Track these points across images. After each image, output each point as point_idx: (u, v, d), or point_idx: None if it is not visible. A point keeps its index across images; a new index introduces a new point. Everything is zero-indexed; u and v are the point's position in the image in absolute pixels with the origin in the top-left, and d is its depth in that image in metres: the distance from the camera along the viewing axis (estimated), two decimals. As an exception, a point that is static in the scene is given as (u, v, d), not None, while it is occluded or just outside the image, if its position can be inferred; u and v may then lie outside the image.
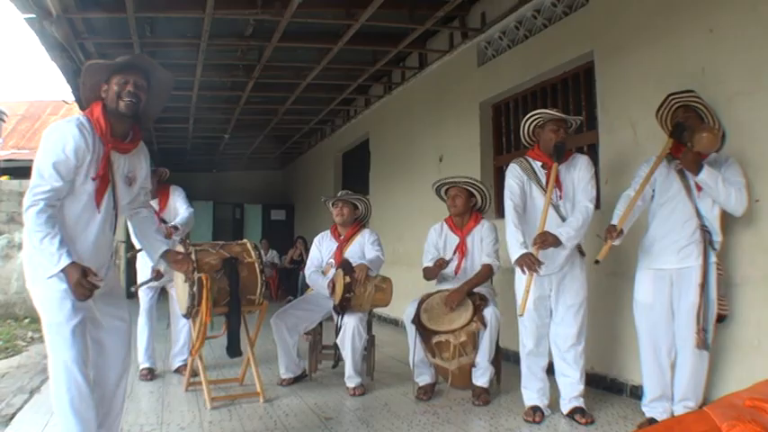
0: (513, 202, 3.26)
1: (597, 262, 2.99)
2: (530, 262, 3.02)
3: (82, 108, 2.44)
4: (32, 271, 2.30)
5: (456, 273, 3.90)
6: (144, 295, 4.43)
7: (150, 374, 4.33)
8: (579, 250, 3.28)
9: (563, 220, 3.21)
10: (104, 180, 2.32)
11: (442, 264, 3.87)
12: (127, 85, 2.30)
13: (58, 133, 2.25)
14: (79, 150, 2.23)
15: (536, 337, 3.29)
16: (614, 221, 3.04)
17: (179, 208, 4.57)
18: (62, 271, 2.14)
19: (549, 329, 3.31)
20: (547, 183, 3.22)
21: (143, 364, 4.36)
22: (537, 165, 3.32)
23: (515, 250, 3.11)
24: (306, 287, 4.56)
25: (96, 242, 2.36)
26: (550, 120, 3.31)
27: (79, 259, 2.22)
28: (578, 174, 3.25)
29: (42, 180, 2.19)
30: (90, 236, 2.34)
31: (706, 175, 2.84)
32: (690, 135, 2.93)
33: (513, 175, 3.33)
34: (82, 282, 2.14)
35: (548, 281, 3.26)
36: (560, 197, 3.27)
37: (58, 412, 2.27)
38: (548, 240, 3.05)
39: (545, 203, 3.15)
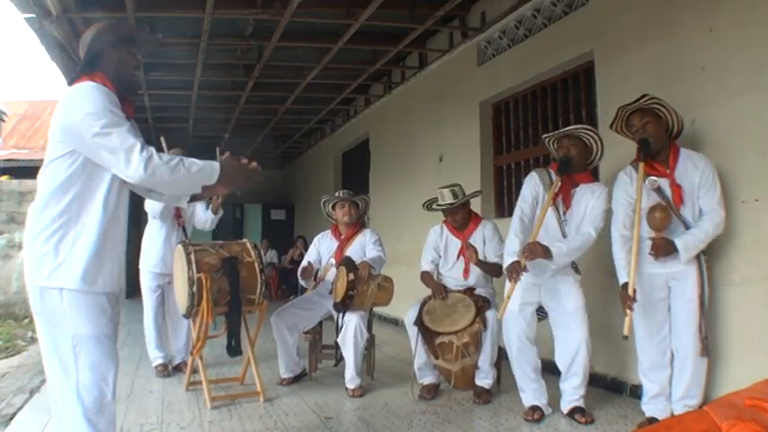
0: (522, 210, 3.29)
1: (626, 337, 2.89)
2: (512, 270, 3.09)
3: (69, 78, 2.23)
4: (64, 269, 2.01)
5: (464, 277, 3.87)
6: (151, 293, 4.43)
7: (166, 370, 4.37)
8: (574, 268, 3.30)
9: (563, 234, 3.23)
10: None
11: (440, 290, 3.81)
12: (139, 57, 2.20)
13: (84, 89, 2.00)
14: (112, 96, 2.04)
15: (520, 340, 3.28)
16: (622, 274, 2.95)
17: (198, 211, 4.59)
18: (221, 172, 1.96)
19: (557, 334, 3.31)
20: (554, 195, 3.22)
21: (156, 360, 4.40)
22: (555, 177, 3.33)
23: (508, 258, 3.18)
24: (305, 287, 4.56)
25: (125, 220, 2.18)
26: (561, 136, 3.33)
27: (121, 235, 2.11)
28: (593, 201, 3.22)
29: (112, 121, 1.92)
30: (124, 208, 2.16)
31: (685, 255, 2.84)
32: (655, 144, 2.94)
33: (530, 185, 3.35)
34: (238, 164, 1.97)
35: (538, 289, 3.28)
36: (564, 213, 3.26)
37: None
38: (536, 251, 3.08)
39: (541, 213, 3.18)
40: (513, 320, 3.26)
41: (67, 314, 2.03)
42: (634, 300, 2.82)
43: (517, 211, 3.31)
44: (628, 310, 2.81)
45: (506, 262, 3.18)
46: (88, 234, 2.05)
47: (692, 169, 2.93)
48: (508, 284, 3.18)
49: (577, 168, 3.26)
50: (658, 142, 2.97)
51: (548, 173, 3.35)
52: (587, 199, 3.24)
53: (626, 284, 2.87)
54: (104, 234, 2.07)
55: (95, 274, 2.06)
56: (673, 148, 3.00)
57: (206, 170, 2.00)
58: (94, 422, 2.01)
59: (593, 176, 3.46)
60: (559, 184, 3.21)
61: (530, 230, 3.21)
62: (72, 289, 2.03)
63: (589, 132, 3.31)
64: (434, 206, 3.98)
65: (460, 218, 3.90)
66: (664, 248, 2.85)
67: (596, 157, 3.36)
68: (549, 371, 3.44)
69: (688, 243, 2.84)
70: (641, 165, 2.95)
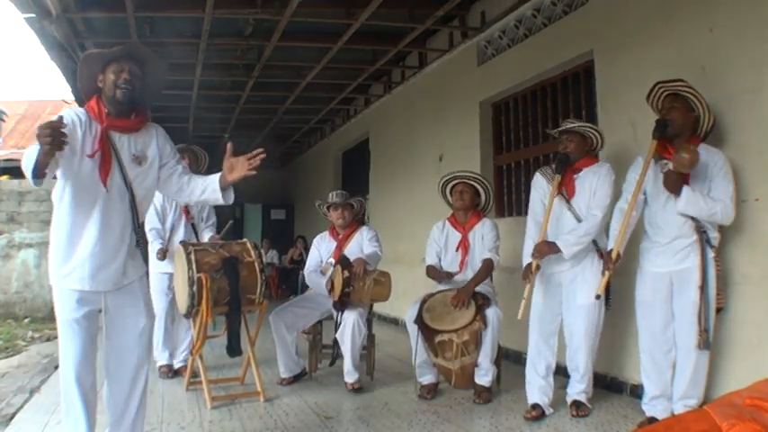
0: (533, 212, 3.44)
1: (598, 296, 3.09)
2: (524, 272, 3.26)
3: (81, 105, 2.48)
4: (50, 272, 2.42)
5: (460, 269, 3.90)
6: (162, 296, 4.37)
7: (170, 371, 4.36)
8: (598, 251, 3.27)
9: (578, 220, 3.26)
10: (105, 158, 2.34)
11: (445, 275, 3.85)
12: (122, 73, 2.35)
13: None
14: (70, 119, 2.27)
15: (541, 335, 3.34)
16: (610, 242, 3.09)
17: (210, 215, 4.60)
18: (39, 155, 2.04)
19: (564, 328, 3.35)
20: (557, 189, 3.30)
21: (161, 360, 4.38)
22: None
23: (524, 261, 3.32)
24: (306, 287, 4.56)
25: (104, 222, 2.34)
26: (561, 131, 3.40)
27: (87, 236, 2.33)
28: (597, 181, 3.26)
29: None
30: (96, 215, 2.33)
31: (684, 203, 2.85)
32: (673, 130, 2.94)
33: (536, 187, 3.49)
34: (43, 130, 1.99)
35: (558, 279, 3.32)
36: (570, 197, 3.31)
37: (62, 408, 2.40)
38: (543, 250, 3.20)
39: (546, 210, 3.28)
40: (536, 315, 3.35)
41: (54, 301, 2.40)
42: (615, 262, 2.99)
43: (529, 216, 3.45)
44: (606, 272, 3.01)
45: (524, 263, 3.33)
46: (53, 233, 2.39)
47: (706, 160, 2.90)
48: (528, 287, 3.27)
49: (576, 159, 3.33)
50: (677, 128, 2.96)
51: (551, 168, 3.44)
52: (591, 181, 3.28)
53: (611, 251, 3.02)
54: (69, 234, 2.34)
55: (65, 271, 2.34)
56: (692, 138, 2.98)
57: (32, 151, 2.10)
58: (69, 400, 2.34)
59: (596, 158, 3.49)
60: (558, 179, 3.29)
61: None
62: (51, 284, 2.40)
63: (586, 128, 3.37)
64: (455, 175, 4.01)
65: (468, 198, 3.94)
66: (676, 183, 2.85)
67: (597, 146, 3.44)
68: (563, 373, 3.49)
69: (692, 194, 2.83)
70: (653, 143, 2.97)
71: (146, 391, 2.53)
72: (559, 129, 3.41)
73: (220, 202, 2.52)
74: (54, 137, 1.99)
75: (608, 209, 3.20)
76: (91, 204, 2.33)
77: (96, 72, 2.39)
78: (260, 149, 2.43)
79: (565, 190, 3.32)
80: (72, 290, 2.33)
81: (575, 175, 3.33)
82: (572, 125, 3.37)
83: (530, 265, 3.23)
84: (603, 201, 3.21)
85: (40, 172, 2.06)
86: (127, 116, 2.41)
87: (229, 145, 2.47)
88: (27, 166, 2.09)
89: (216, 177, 2.50)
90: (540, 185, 3.44)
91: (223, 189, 2.47)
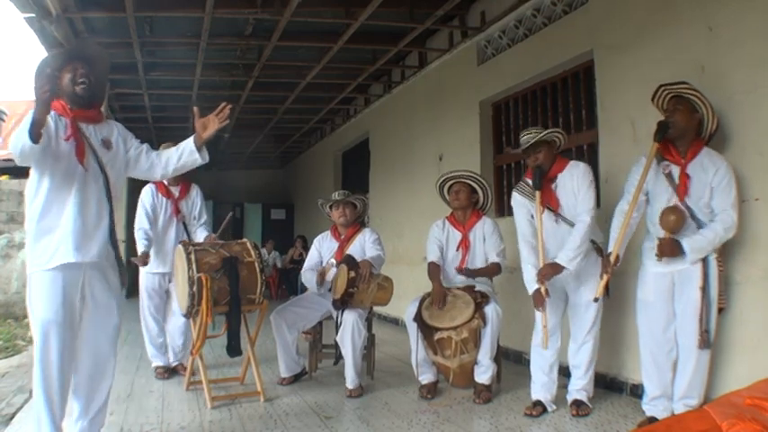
0: (523, 236, 3.35)
1: (596, 300, 3.11)
2: (536, 300, 3.20)
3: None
4: (28, 266, 2.49)
5: (461, 269, 3.89)
6: (147, 296, 4.36)
7: (165, 372, 4.33)
8: (597, 249, 3.27)
9: (571, 226, 3.23)
10: (79, 141, 2.52)
11: (440, 298, 3.78)
12: (77, 70, 2.54)
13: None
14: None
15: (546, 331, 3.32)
16: (610, 244, 3.07)
17: (201, 212, 4.56)
18: (35, 113, 2.18)
19: (570, 325, 3.36)
20: (542, 207, 3.25)
21: (155, 362, 4.37)
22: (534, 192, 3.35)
23: (529, 288, 3.26)
24: (306, 287, 4.55)
25: (82, 199, 2.49)
26: (526, 147, 3.34)
27: (67, 214, 2.44)
28: (576, 183, 3.25)
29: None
30: (74, 193, 2.47)
31: (692, 256, 2.83)
32: (675, 132, 2.93)
33: (518, 208, 3.41)
34: (42, 86, 2.15)
35: (563, 278, 3.29)
36: (557, 210, 3.28)
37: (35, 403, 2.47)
38: (548, 274, 3.15)
39: (538, 233, 3.23)
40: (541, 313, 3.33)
41: (31, 298, 2.45)
42: (615, 265, 2.97)
43: (520, 239, 3.37)
44: (605, 275, 3.00)
45: (529, 290, 3.26)
46: (31, 225, 2.47)
47: (708, 166, 2.89)
48: (538, 314, 3.26)
49: (549, 167, 3.30)
50: (679, 131, 2.94)
51: (525, 183, 3.40)
52: (570, 185, 3.27)
53: (610, 253, 3.00)
54: (48, 217, 2.44)
55: (48, 254, 2.42)
56: (696, 141, 2.97)
57: (24, 126, 2.24)
58: (48, 411, 2.40)
59: (566, 158, 3.45)
60: (539, 195, 3.24)
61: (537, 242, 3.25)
62: (30, 272, 2.46)
63: (550, 134, 3.33)
64: (449, 177, 3.99)
65: (464, 197, 3.92)
66: (670, 249, 2.85)
67: (561, 145, 3.41)
68: (564, 372, 3.48)
69: (695, 245, 2.82)
70: (654, 145, 2.96)
71: (111, 384, 2.70)
72: (522, 147, 3.36)
73: (198, 162, 2.69)
74: (52, 84, 2.19)
75: (594, 209, 3.19)
76: (69, 184, 2.47)
77: (54, 79, 2.51)
78: (224, 103, 2.62)
79: (549, 203, 3.28)
80: (55, 270, 2.41)
81: (552, 185, 3.30)
82: (536, 138, 3.30)
83: (538, 290, 3.17)
84: (588, 203, 3.20)
85: (36, 131, 2.19)
86: (87, 109, 2.61)
87: (196, 109, 2.66)
88: (23, 130, 2.19)
89: (190, 140, 2.67)
90: (523, 204, 3.37)
91: (198, 150, 2.66)
